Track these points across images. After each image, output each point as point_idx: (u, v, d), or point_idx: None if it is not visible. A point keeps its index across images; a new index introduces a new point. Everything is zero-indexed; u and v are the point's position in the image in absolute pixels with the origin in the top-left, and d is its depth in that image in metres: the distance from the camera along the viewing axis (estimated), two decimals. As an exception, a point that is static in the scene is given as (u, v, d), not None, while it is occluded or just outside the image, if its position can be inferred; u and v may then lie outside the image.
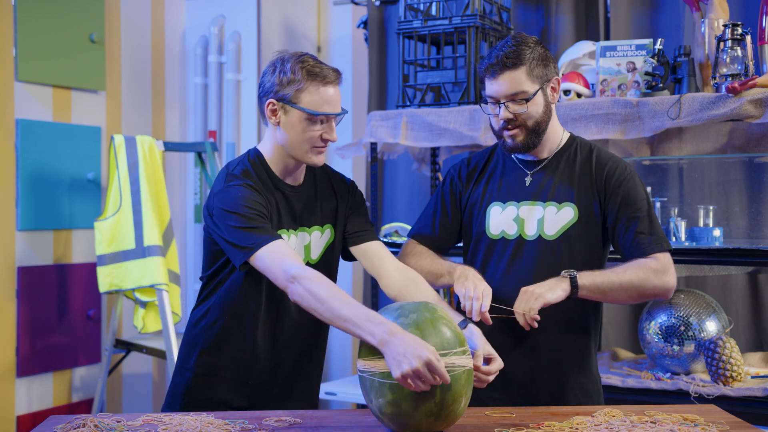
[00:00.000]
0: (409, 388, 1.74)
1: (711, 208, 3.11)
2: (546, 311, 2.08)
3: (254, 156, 2.15)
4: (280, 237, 2.00)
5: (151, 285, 3.51)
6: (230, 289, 2.14)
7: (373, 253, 2.21)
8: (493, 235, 2.24)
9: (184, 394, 2.18)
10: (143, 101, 4.23)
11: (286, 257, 1.95)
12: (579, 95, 3.17)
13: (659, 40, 3.05)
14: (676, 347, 2.99)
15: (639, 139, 3.25)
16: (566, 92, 3.16)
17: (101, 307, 3.98)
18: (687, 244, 3.02)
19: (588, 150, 2.25)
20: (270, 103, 2.08)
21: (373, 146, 3.55)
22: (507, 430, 1.83)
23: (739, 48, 2.84)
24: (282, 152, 2.12)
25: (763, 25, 2.86)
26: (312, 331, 2.21)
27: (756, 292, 3.37)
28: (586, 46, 3.31)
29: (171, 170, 4.36)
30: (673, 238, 3.06)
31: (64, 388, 3.83)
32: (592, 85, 3.21)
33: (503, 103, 2.14)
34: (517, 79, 2.12)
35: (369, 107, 4.09)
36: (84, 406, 3.88)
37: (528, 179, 2.23)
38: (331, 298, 1.88)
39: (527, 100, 2.13)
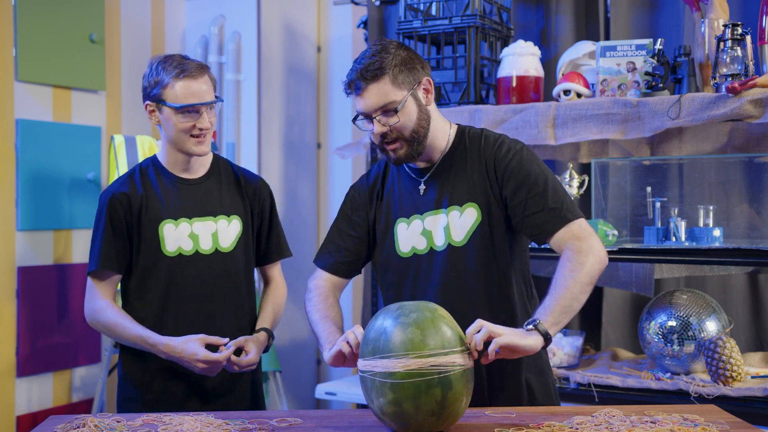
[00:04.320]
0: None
1: (711, 208, 3.11)
2: (476, 304, 2.06)
3: (148, 161, 2.36)
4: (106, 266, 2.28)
5: (151, 285, 3.50)
6: None
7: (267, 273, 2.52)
8: (404, 253, 2.13)
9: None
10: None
11: (96, 289, 2.29)
12: (579, 95, 3.17)
13: (659, 40, 3.04)
14: (676, 347, 2.99)
15: (639, 139, 3.25)
16: (566, 92, 3.16)
17: (101, 307, 3.97)
18: (687, 244, 3.03)
19: (477, 139, 2.12)
20: (146, 105, 2.26)
21: (373, 146, 3.55)
22: (507, 430, 1.83)
23: (739, 48, 2.84)
24: (171, 148, 2.30)
25: (763, 25, 2.86)
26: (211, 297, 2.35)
27: (756, 292, 3.37)
28: (586, 46, 3.31)
29: (171, 170, 4.35)
30: (673, 238, 3.06)
31: (64, 388, 3.83)
32: (592, 85, 3.21)
33: (374, 118, 2.03)
34: (382, 91, 2.00)
35: (369, 107, 4.08)
36: (84, 406, 3.88)
37: (422, 188, 2.12)
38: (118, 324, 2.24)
39: (396, 111, 2.01)
